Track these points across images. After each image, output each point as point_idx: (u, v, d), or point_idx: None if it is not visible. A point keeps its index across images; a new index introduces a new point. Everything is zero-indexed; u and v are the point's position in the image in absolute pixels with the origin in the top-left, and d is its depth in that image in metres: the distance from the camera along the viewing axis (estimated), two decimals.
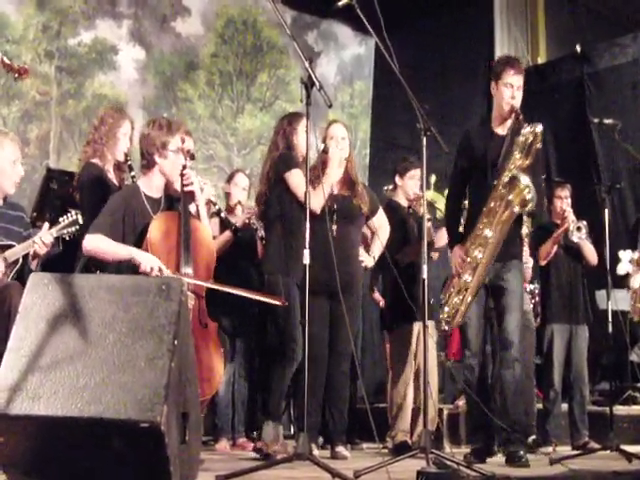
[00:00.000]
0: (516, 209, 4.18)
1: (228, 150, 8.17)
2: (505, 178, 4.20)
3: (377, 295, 5.73)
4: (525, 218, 5.73)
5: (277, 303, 4.07)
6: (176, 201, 3.86)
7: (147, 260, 3.51)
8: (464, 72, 9.18)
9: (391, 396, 5.20)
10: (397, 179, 5.45)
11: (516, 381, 4.31)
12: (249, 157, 8.12)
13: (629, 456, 4.21)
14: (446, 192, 5.59)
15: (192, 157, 4.03)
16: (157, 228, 3.66)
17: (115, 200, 3.78)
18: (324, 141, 4.69)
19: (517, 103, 4.34)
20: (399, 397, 5.13)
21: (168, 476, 2.44)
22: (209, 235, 3.91)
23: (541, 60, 10.26)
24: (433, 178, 6.19)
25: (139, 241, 3.65)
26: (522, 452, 4.15)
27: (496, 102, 4.45)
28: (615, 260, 5.36)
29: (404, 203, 5.41)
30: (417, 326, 5.02)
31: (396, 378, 5.20)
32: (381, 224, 4.99)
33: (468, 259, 4.30)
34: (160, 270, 3.44)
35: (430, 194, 5.95)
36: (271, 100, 8.51)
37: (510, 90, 4.34)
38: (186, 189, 3.85)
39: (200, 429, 2.92)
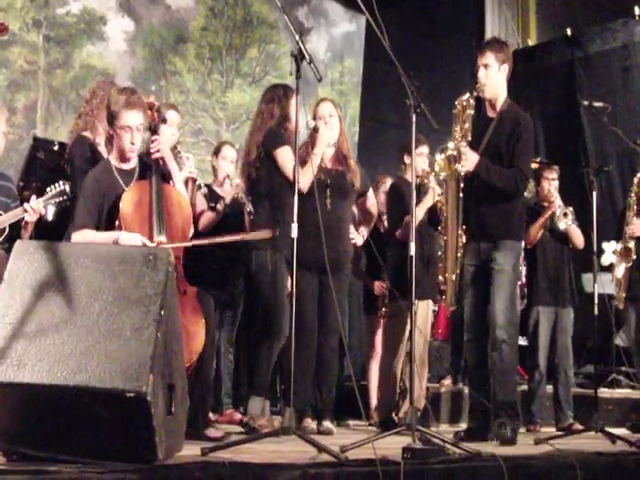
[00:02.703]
0: (453, 171, 4.23)
1: (217, 124, 8.11)
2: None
3: (378, 283, 5.68)
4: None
5: (266, 237, 4.01)
6: (149, 169, 3.79)
7: (130, 241, 3.47)
8: (454, 52, 9.15)
9: (382, 372, 5.23)
10: (406, 158, 5.40)
11: (503, 362, 4.30)
12: (238, 132, 8.05)
13: (613, 438, 4.23)
14: None
15: (164, 121, 3.95)
16: (129, 200, 3.62)
17: (87, 183, 3.71)
18: (314, 118, 4.65)
19: (482, 81, 4.39)
20: (395, 375, 5.15)
21: (153, 447, 2.41)
22: (184, 201, 3.84)
23: (531, 42, 10.25)
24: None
25: (114, 216, 3.61)
26: (510, 430, 4.16)
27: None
28: (602, 244, 5.37)
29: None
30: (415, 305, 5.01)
31: (390, 356, 5.21)
32: (371, 205, 4.97)
33: (444, 239, 4.36)
34: (144, 245, 3.40)
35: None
36: (261, 75, 8.44)
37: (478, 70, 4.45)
38: (153, 157, 3.78)
39: (186, 401, 2.89)
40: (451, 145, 4.27)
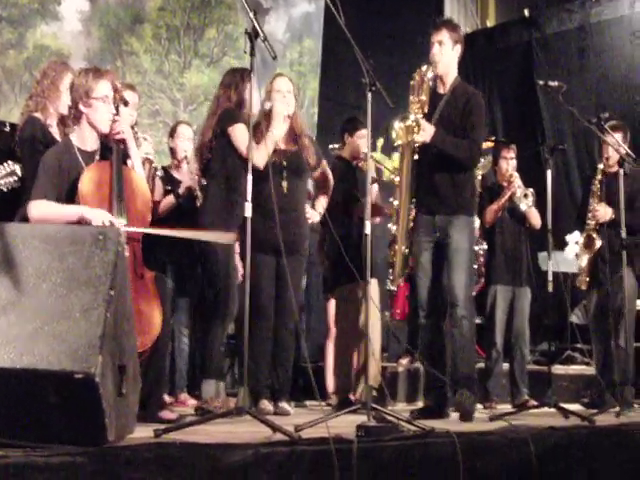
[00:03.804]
0: (410, 141, 4.25)
1: (174, 105, 8.01)
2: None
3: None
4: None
5: (225, 241, 3.99)
6: (110, 151, 3.73)
7: (97, 216, 3.39)
8: (413, 34, 9.13)
9: (337, 353, 5.24)
10: (346, 137, 5.42)
11: (463, 338, 4.34)
12: (196, 113, 7.96)
13: (566, 413, 4.30)
14: (393, 155, 5.61)
15: (125, 103, 3.90)
16: (88, 180, 3.54)
17: (48, 158, 3.62)
18: (269, 96, 4.62)
19: (436, 58, 4.44)
20: (344, 356, 5.17)
21: (103, 428, 2.39)
22: (144, 184, 3.78)
23: (490, 23, 10.28)
24: (381, 141, 6.17)
25: (71, 196, 3.54)
26: (471, 402, 4.19)
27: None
28: (555, 222, 5.41)
29: (351, 161, 5.38)
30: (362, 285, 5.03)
31: (341, 337, 5.22)
32: (325, 176, 4.97)
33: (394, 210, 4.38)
34: (112, 223, 3.34)
35: (377, 156, 5.93)
36: (219, 56, 8.35)
37: (432, 47, 4.47)
38: (116, 137, 3.73)
39: (138, 383, 2.87)
40: (412, 116, 4.27)
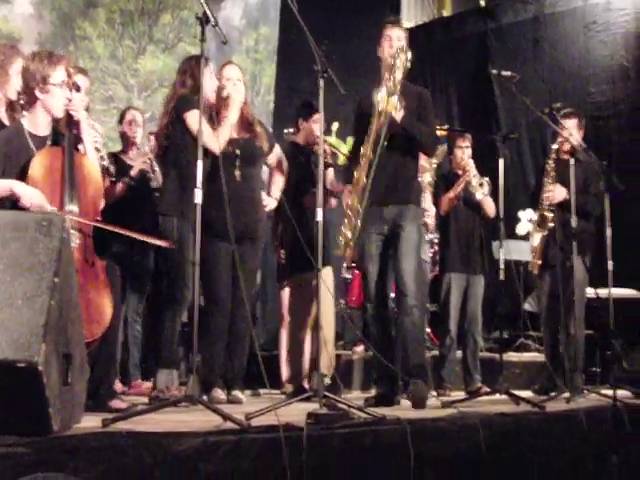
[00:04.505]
0: (389, 112, 4.24)
1: (128, 91, 7.91)
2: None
3: (282, 252, 5.67)
4: (428, 166, 5.82)
5: (164, 245, 3.97)
6: (62, 136, 3.67)
7: (28, 194, 3.31)
8: (370, 24, 9.11)
9: (290, 341, 5.22)
10: (300, 122, 5.40)
11: (415, 327, 4.35)
12: (150, 99, 7.88)
13: (517, 399, 4.34)
14: (348, 139, 5.58)
15: (78, 89, 3.84)
16: (38, 164, 3.46)
17: None
18: (219, 79, 4.60)
19: (402, 47, 4.38)
20: (297, 344, 5.16)
21: (47, 418, 2.35)
22: (96, 170, 3.73)
23: (446, 13, 10.33)
24: (335, 125, 6.15)
25: (22, 180, 3.45)
26: (422, 394, 4.20)
27: (383, 60, 4.51)
28: (509, 211, 5.46)
29: (305, 146, 5.36)
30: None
31: (297, 325, 5.21)
32: (279, 160, 4.94)
33: (355, 185, 4.34)
34: (42, 207, 3.27)
35: (332, 140, 5.90)
36: (174, 42, 8.25)
37: (388, 41, 4.46)
38: (71, 113, 3.66)
39: (85, 372, 2.82)
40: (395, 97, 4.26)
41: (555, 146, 5.64)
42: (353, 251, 4.42)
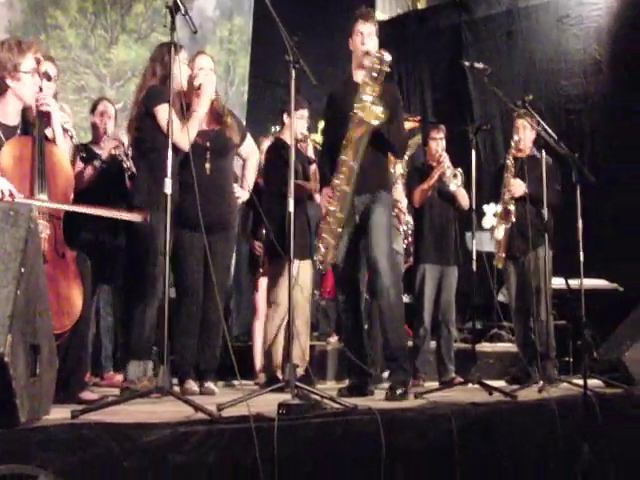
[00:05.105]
0: (371, 122, 4.24)
1: (101, 81, 7.82)
2: (357, 104, 4.29)
3: (257, 243, 5.67)
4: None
5: (137, 219, 3.91)
6: (32, 125, 3.62)
7: None
8: (346, 17, 9.09)
9: (265, 333, 5.22)
10: (285, 118, 5.37)
11: (392, 309, 4.32)
12: (123, 89, 7.80)
13: (489, 389, 4.36)
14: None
15: (48, 78, 3.80)
16: (8, 154, 3.42)
17: None
18: (191, 69, 4.56)
19: (370, 48, 4.42)
20: (272, 335, 5.15)
21: (14, 410, 2.32)
22: (66, 159, 3.70)
23: (421, 5, 10.34)
24: (322, 124, 6.14)
25: None
26: (403, 383, 4.19)
27: (354, 54, 4.53)
28: (482, 202, 5.49)
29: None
30: (294, 264, 5.00)
31: (271, 315, 5.20)
32: (250, 150, 4.93)
33: (337, 193, 4.32)
34: (11, 195, 3.22)
35: (317, 138, 5.91)
36: (147, 32, 8.16)
37: (360, 37, 4.46)
38: (41, 109, 3.62)
39: (54, 363, 2.79)
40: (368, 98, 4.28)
41: (513, 142, 5.72)
42: (333, 256, 4.41)
